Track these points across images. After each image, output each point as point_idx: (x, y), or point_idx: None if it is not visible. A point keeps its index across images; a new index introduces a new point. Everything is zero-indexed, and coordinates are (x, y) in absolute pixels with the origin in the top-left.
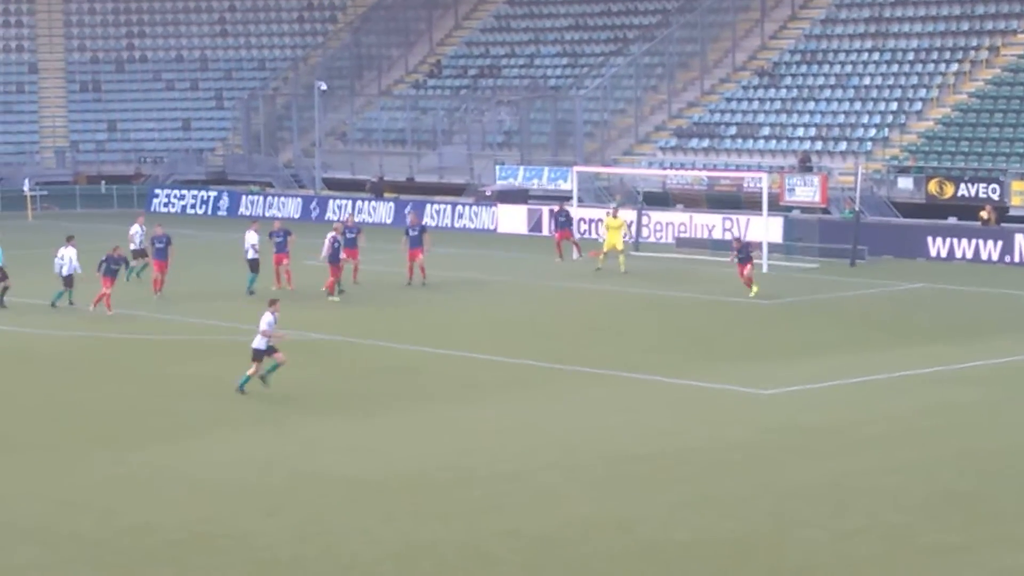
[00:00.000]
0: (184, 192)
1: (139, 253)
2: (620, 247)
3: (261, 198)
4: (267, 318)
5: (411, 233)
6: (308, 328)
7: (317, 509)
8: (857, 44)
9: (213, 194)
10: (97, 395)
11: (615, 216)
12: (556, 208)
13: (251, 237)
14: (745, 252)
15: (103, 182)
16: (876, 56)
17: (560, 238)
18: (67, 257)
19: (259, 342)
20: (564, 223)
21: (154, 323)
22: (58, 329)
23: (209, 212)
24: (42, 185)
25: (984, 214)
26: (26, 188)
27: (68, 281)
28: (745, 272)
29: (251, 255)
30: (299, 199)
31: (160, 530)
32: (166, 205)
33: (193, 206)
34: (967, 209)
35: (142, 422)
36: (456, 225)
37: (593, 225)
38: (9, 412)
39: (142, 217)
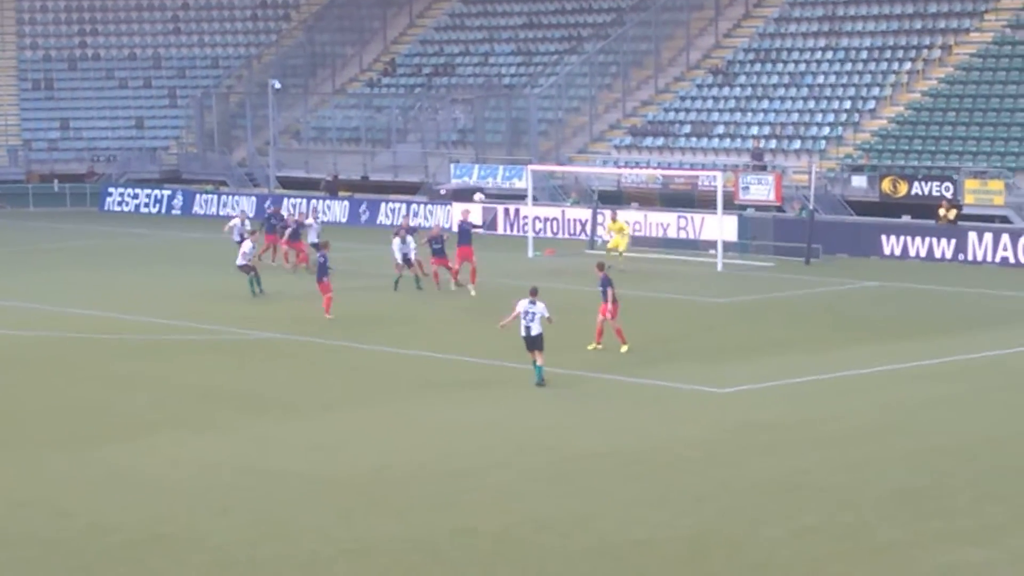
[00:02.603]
0: (138, 191)
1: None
2: (622, 248)
3: (215, 197)
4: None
5: (435, 245)
6: (263, 327)
7: (272, 507)
8: (811, 43)
9: (167, 193)
10: (50, 394)
11: (615, 220)
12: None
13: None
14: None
15: (56, 181)
16: (830, 55)
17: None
18: None
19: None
20: (439, 251)
21: (107, 322)
22: (9, 328)
23: (163, 211)
24: None
25: (942, 211)
26: None
27: None
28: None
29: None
30: (253, 198)
31: (116, 530)
32: (119, 204)
33: (147, 205)
34: (921, 207)
35: (95, 422)
36: (411, 224)
37: (548, 223)
38: None
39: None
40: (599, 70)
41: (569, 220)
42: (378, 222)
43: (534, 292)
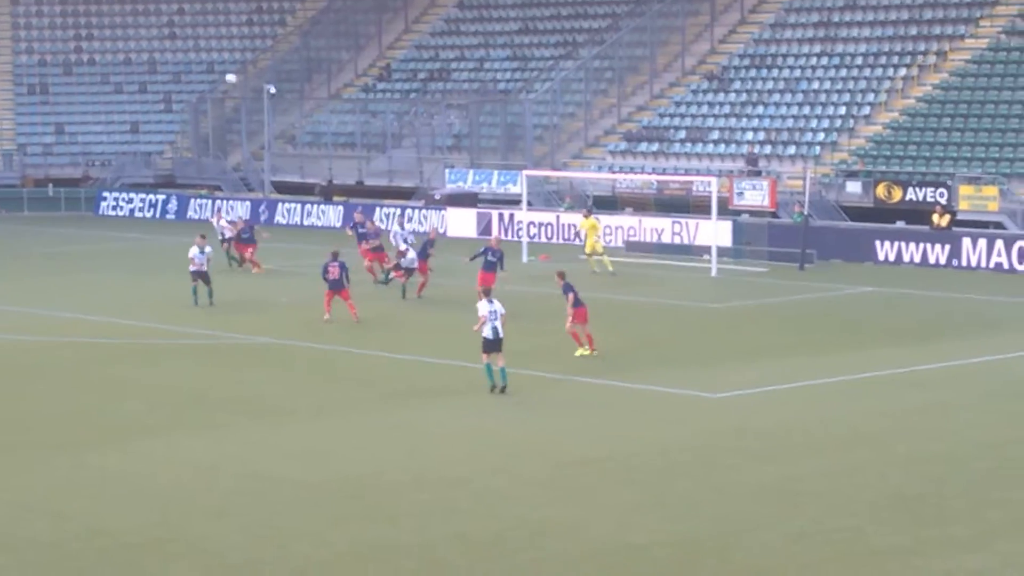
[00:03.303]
0: (132, 195)
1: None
2: (600, 249)
3: (210, 201)
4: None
5: (490, 258)
6: (258, 332)
7: (267, 512)
8: (806, 49)
9: (161, 197)
10: (45, 399)
11: (587, 217)
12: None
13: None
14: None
15: (50, 185)
16: (825, 61)
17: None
18: None
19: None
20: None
21: (102, 326)
22: (4, 332)
23: (157, 215)
24: None
25: (936, 217)
26: None
27: None
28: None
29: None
30: (248, 202)
31: (113, 534)
32: (114, 208)
33: (141, 209)
34: (915, 213)
35: (91, 426)
36: (405, 228)
37: (542, 229)
38: None
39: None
40: (594, 75)
41: (564, 225)
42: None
43: (487, 293)
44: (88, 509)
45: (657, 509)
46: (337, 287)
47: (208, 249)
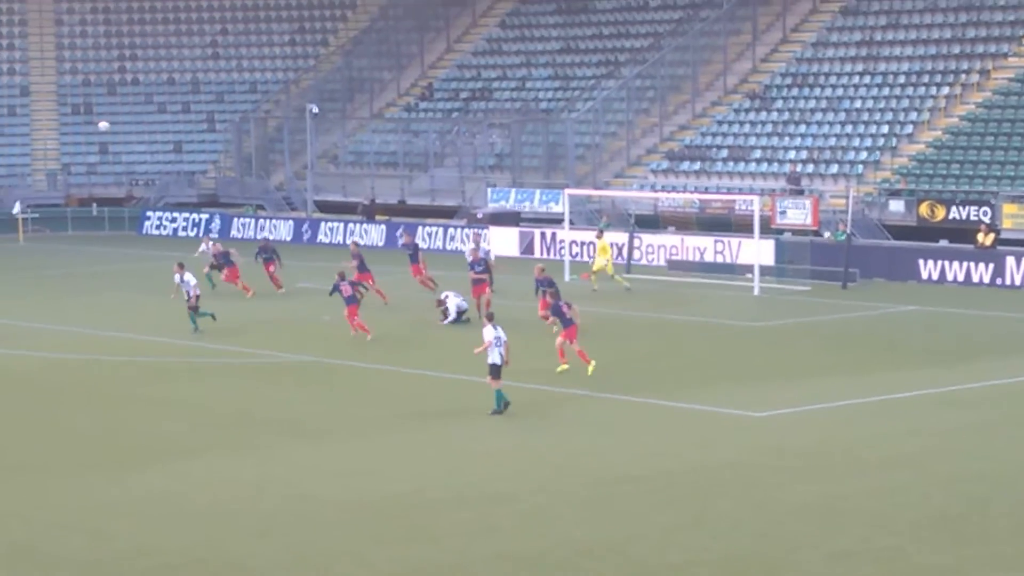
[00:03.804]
0: (176, 215)
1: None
2: (609, 270)
3: (253, 220)
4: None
5: (476, 269)
6: (298, 350)
7: (309, 532)
8: (848, 67)
9: (205, 216)
10: (88, 418)
11: (600, 237)
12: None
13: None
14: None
15: (94, 205)
16: (867, 79)
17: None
18: None
19: (496, 357)
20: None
21: (145, 345)
22: (48, 351)
23: (200, 234)
24: (33, 208)
25: (980, 236)
26: (17, 211)
27: None
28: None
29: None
30: (291, 222)
31: (154, 553)
32: (157, 228)
33: (185, 228)
34: (958, 232)
35: (132, 445)
36: (448, 247)
37: (585, 248)
38: None
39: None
40: (636, 95)
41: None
42: (458, 249)
43: (491, 317)
44: (129, 529)
45: (698, 528)
46: (352, 301)
47: (188, 277)
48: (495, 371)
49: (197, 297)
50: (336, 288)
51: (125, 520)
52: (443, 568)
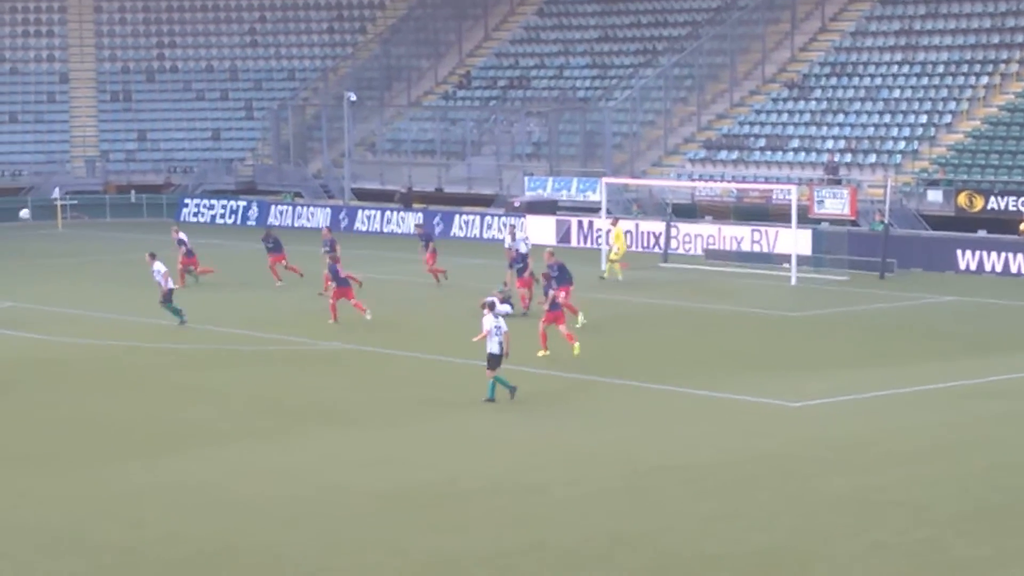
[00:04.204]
0: (213, 202)
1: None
2: (612, 256)
3: (290, 208)
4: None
5: (516, 266)
6: (329, 337)
7: (341, 520)
8: (887, 57)
9: (243, 204)
10: (121, 405)
11: (615, 224)
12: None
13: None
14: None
15: (133, 192)
16: (906, 69)
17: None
18: None
19: (495, 347)
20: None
21: (177, 332)
22: (83, 338)
23: (239, 222)
24: (72, 194)
25: (1023, 227)
26: (57, 196)
27: None
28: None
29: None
30: (328, 209)
31: (187, 540)
32: (195, 215)
33: (223, 216)
34: (997, 222)
35: (166, 432)
36: (485, 236)
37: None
38: (35, 422)
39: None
40: (674, 83)
41: (643, 233)
42: (452, 234)
43: (492, 306)
44: (162, 515)
45: (735, 519)
46: (344, 283)
47: (157, 266)
48: (493, 361)
49: (170, 291)
50: (334, 272)
51: (158, 507)
52: (477, 558)
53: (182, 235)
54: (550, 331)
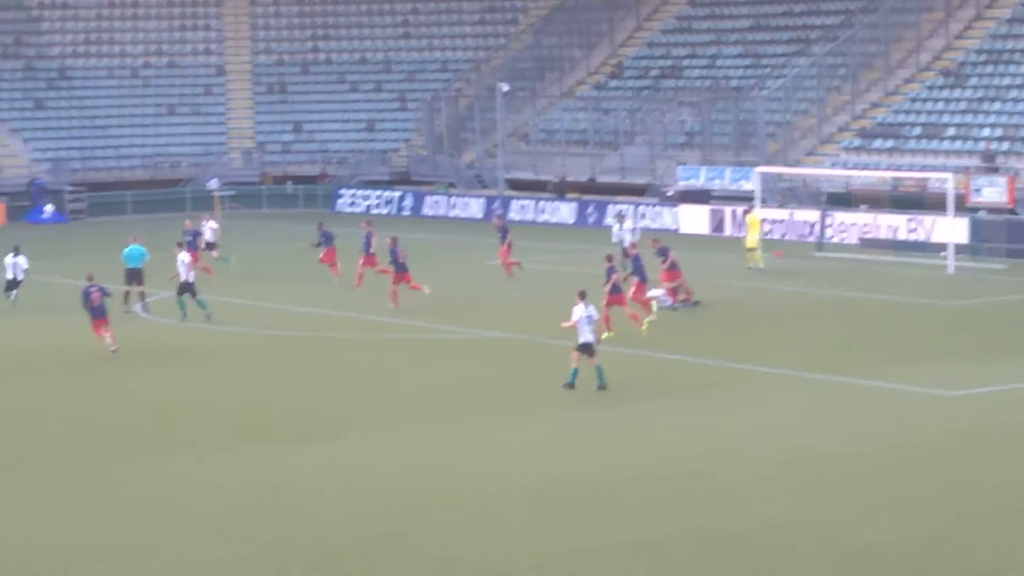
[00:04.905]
0: (368, 192)
1: (210, 245)
2: (750, 244)
3: (445, 198)
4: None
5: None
6: (488, 327)
7: (500, 507)
8: None
9: (397, 194)
10: (280, 391)
11: (749, 212)
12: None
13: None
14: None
15: (289, 182)
16: None
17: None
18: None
19: (587, 335)
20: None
21: (336, 320)
22: (248, 327)
23: (394, 212)
24: (229, 185)
25: None
26: (214, 187)
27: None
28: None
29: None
30: (482, 199)
31: (345, 527)
32: (351, 205)
33: (377, 206)
34: None
35: (328, 417)
36: (638, 225)
37: (776, 226)
38: (192, 408)
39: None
40: (827, 72)
41: (797, 222)
42: (605, 224)
43: (584, 295)
44: (320, 502)
45: (892, 507)
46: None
47: (182, 256)
48: (585, 349)
49: (187, 283)
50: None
51: (318, 493)
52: (636, 544)
53: (207, 224)
54: (614, 313)
